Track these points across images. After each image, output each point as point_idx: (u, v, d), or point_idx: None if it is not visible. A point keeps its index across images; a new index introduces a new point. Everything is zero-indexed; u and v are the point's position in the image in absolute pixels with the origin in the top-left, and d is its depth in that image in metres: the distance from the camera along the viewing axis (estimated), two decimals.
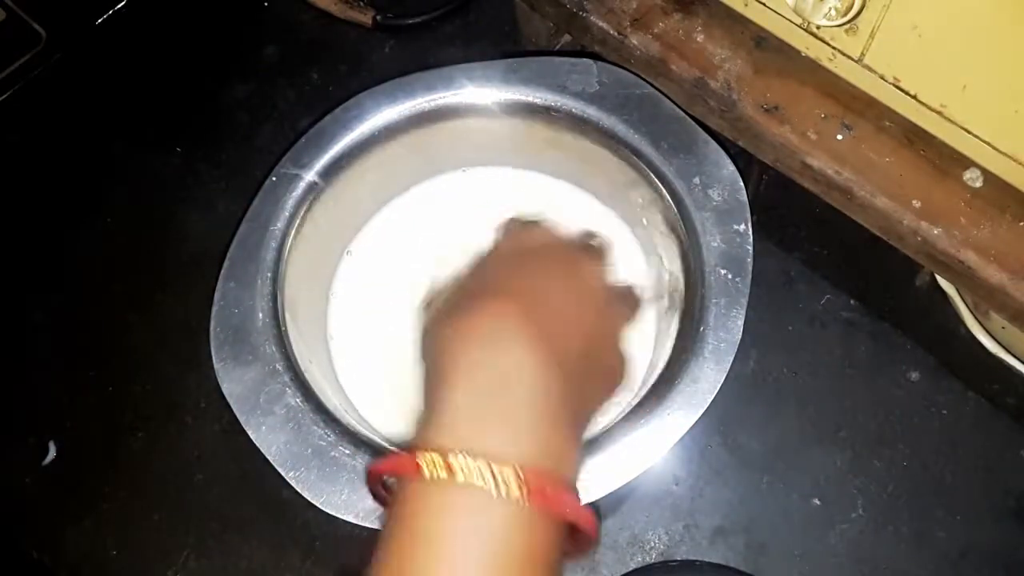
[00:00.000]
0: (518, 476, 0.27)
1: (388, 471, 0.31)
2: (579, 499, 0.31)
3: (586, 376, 0.33)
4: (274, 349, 0.43)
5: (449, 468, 0.27)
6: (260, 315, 0.43)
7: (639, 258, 0.52)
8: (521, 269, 0.35)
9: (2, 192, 0.60)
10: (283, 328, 0.44)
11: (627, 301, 0.39)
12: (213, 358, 0.42)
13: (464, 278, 0.36)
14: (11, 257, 0.58)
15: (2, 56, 0.62)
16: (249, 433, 0.41)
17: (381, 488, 0.33)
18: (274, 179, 0.46)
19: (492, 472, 0.27)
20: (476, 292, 0.34)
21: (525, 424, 0.29)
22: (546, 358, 0.30)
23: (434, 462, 0.28)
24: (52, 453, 0.52)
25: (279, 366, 0.42)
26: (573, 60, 0.47)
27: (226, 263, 0.44)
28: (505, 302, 0.32)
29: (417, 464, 0.28)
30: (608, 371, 0.36)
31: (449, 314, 0.32)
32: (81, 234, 0.58)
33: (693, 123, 0.46)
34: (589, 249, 0.39)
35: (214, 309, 0.43)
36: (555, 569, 0.29)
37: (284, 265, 0.45)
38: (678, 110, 0.46)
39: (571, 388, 0.31)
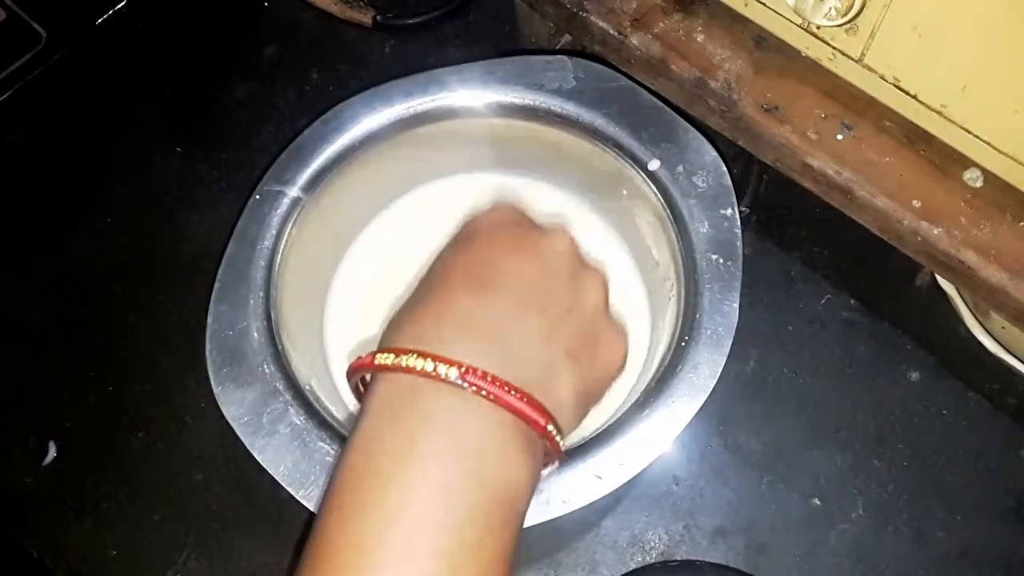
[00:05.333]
0: (460, 367, 0.30)
1: (359, 367, 0.33)
2: (546, 412, 0.31)
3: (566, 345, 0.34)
4: (273, 368, 0.42)
5: (397, 354, 0.30)
6: (255, 335, 0.43)
7: (626, 249, 0.52)
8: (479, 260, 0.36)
9: (2, 192, 0.60)
10: (280, 346, 0.43)
11: (594, 270, 0.38)
12: (212, 382, 0.42)
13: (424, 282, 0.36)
14: (11, 257, 0.58)
15: (2, 56, 0.62)
16: (255, 455, 0.40)
17: (361, 385, 0.35)
18: (257, 197, 0.46)
19: (435, 361, 0.30)
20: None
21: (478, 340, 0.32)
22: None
23: (388, 354, 0.31)
24: (52, 453, 0.52)
25: (279, 385, 0.42)
26: (548, 58, 0.47)
27: (216, 285, 0.44)
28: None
29: (373, 357, 0.31)
30: (593, 338, 0.36)
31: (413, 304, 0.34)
32: (81, 234, 0.58)
33: (672, 112, 0.46)
34: (544, 226, 0.39)
35: (208, 333, 0.43)
36: (515, 463, 0.30)
37: (276, 283, 0.45)
38: (656, 100, 0.46)
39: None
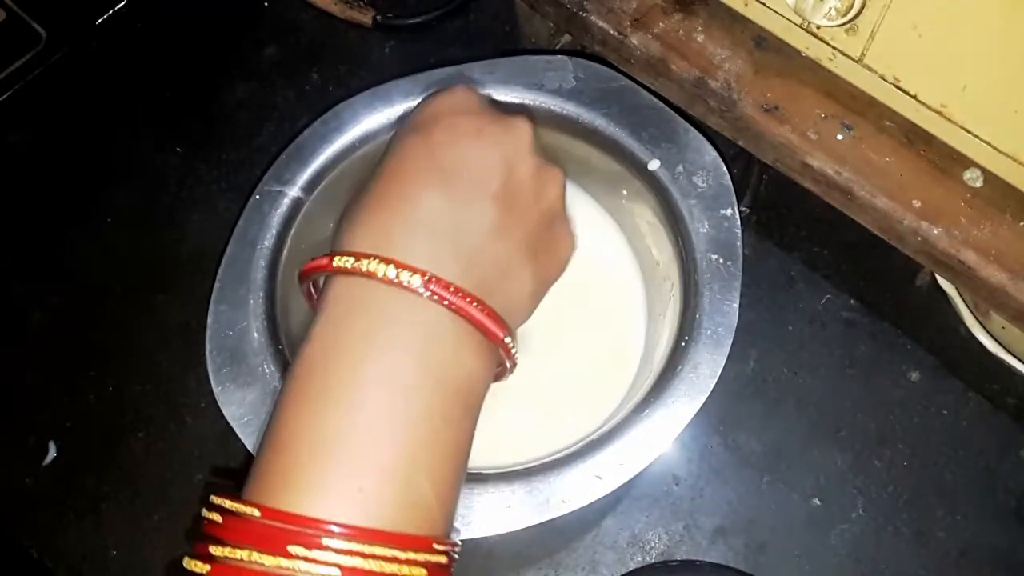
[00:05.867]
0: (423, 276, 0.29)
1: (314, 269, 0.32)
2: (496, 319, 0.31)
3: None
4: (273, 368, 0.42)
5: (356, 258, 0.30)
6: (255, 335, 0.43)
7: (627, 249, 0.52)
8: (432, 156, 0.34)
9: (2, 192, 0.60)
10: (280, 346, 0.43)
11: (553, 165, 0.37)
12: (212, 382, 0.42)
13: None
14: (11, 257, 0.58)
15: (2, 56, 0.62)
16: (255, 455, 0.40)
17: (311, 290, 0.34)
18: (257, 197, 0.46)
19: (397, 268, 0.29)
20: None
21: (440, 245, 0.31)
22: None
23: (343, 257, 0.30)
24: (52, 453, 0.52)
25: (279, 385, 0.42)
26: (548, 57, 0.47)
27: (216, 285, 0.44)
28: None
29: (331, 259, 0.31)
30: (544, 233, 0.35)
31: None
32: (81, 234, 0.58)
33: (672, 112, 0.46)
34: (504, 114, 0.37)
35: (208, 333, 0.43)
36: (457, 365, 0.30)
37: (276, 283, 0.45)
38: (656, 100, 0.46)
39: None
